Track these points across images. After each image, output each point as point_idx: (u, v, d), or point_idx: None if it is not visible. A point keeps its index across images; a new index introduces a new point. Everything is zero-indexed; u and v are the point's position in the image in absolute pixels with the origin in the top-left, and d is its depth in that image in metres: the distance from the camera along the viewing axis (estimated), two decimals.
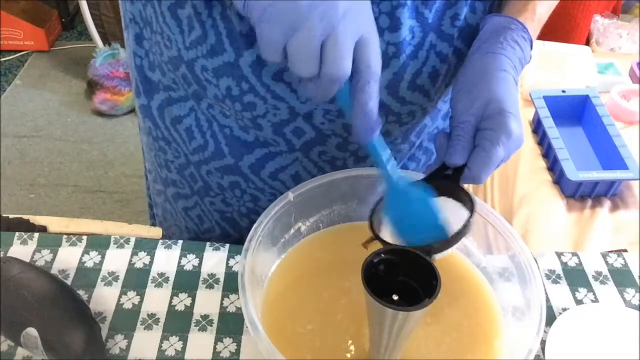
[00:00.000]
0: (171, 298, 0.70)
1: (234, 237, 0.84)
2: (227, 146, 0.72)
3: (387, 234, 0.56)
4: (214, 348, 0.65)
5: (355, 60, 0.46)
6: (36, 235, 0.77)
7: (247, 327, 0.59)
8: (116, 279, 0.72)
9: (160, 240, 0.77)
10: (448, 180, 0.56)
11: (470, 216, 0.54)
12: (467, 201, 0.55)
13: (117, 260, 0.74)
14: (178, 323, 0.67)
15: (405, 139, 0.73)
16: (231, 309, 0.69)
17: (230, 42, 0.62)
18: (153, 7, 0.65)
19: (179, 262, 0.74)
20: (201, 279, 0.72)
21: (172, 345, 0.65)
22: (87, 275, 0.73)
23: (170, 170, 0.81)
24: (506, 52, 0.59)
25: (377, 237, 0.55)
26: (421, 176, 0.58)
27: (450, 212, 0.55)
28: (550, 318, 0.68)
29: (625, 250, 0.79)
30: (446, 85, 0.69)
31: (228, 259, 0.74)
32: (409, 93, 0.65)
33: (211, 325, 0.67)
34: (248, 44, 0.61)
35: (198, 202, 0.82)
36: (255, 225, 0.60)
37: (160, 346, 0.65)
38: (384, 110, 0.66)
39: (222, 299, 0.70)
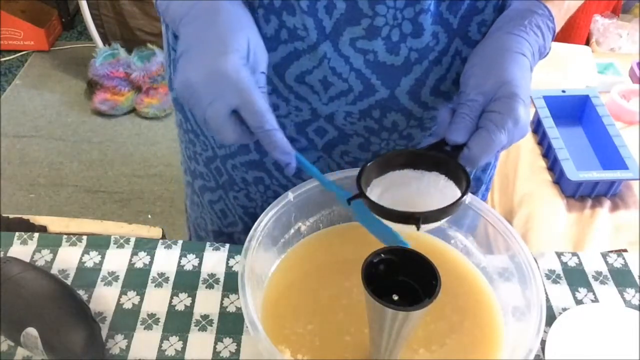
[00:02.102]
0: (171, 298, 0.70)
1: None
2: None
3: (374, 195, 0.54)
4: (214, 348, 0.65)
5: (245, 123, 0.54)
6: (36, 235, 0.77)
7: (247, 327, 0.59)
8: (116, 279, 0.72)
9: (160, 240, 0.77)
10: (447, 156, 0.55)
11: (464, 193, 0.52)
12: (463, 179, 0.53)
13: (117, 260, 0.74)
14: (178, 323, 0.67)
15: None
16: (231, 309, 0.69)
17: None
18: None
19: (179, 262, 0.74)
20: (201, 279, 0.72)
21: (172, 345, 0.65)
22: (87, 275, 0.73)
23: (198, 162, 0.82)
24: (528, 37, 0.57)
25: (362, 194, 0.53)
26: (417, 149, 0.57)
27: (442, 189, 0.54)
28: (550, 318, 0.68)
29: (625, 250, 0.79)
30: None
31: (228, 259, 0.74)
32: (432, 98, 0.65)
33: (211, 325, 0.67)
34: (272, 47, 0.62)
35: (222, 196, 0.83)
36: (255, 225, 0.60)
37: (160, 346, 0.65)
38: (405, 114, 0.66)
39: (222, 299, 0.70)
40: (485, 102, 0.55)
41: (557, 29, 0.62)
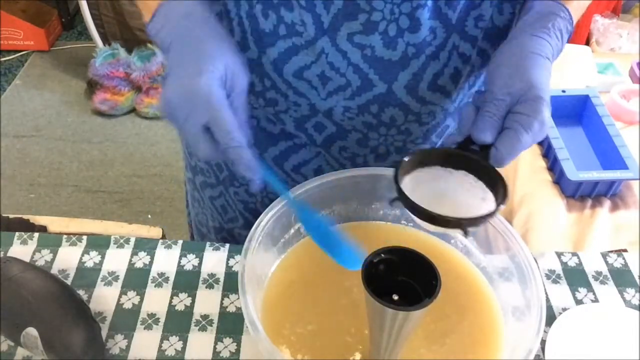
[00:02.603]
0: (171, 298, 0.70)
1: None
2: (253, 137, 0.73)
3: (408, 189, 0.54)
4: (214, 348, 0.65)
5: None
6: (36, 235, 0.77)
7: (247, 327, 0.59)
8: (116, 279, 0.72)
9: (160, 240, 0.77)
10: (478, 157, 0.55)
11: (503, 201, 0.52)
12: (500, 185, 0.53)
13: (117, 260, 0.74)
14: (178, 323, 0.67)
15: (426, 139, 0.73)
16: (231, 309, 0.69)
17: (254, 40, 0.64)
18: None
19: (179, 262, 0.74)
20: (201, 279, 0.72)
21: (172, 345, 0.65)
22: (87, 275, 0.73)
23: (199, 158, 0.83)
24: (551, 40, 0.58)
25: (404, 196, 0.52)
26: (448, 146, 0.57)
27: (470, 189, 0.54)
28: (550, 318, 0.68)
29: (625, 250, 0.79)
30: (469, 86, 0.69)
31: (228, 259, 0.74)
32: (430, 93, 0.65)
33: (211, 325, 0.67)
34: (270, 43, 0.63)
35: (223, 191, 0.84)
36: (255, 225, 0.60)
37: (160, 346, 0.65)
38: (403, 109, 0.66)
39: (222, 299, 0.70)
40: (512, 103, 0.55)
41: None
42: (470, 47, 0.64)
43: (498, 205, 0.52)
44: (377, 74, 0.63)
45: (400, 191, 0.52)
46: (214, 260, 0.74)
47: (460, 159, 0.55)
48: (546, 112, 0.54)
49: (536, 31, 0.58)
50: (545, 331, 0.66)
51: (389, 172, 0.64)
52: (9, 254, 0.74)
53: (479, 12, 0.62)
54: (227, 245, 0.76)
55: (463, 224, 0.51)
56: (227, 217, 0.87)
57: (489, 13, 0.63)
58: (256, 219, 0.84)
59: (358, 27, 0.60)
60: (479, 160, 0.54)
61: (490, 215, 0.51)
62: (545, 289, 0.72)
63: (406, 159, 0.55)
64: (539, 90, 0.54)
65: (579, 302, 0.71)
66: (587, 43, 2.02)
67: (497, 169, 0.54)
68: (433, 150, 0.57)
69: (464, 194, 0.55)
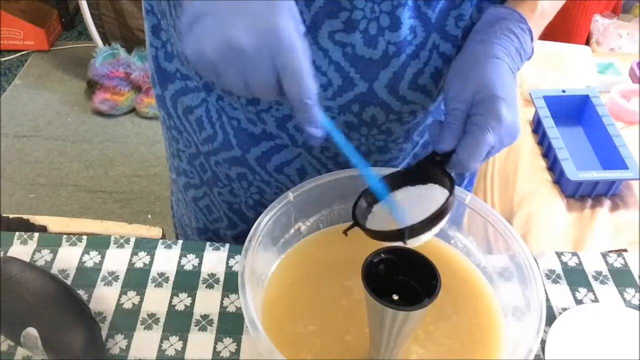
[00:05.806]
0: (171, 298, 0.70)
1: (241, 227, 0.84)
2: (235, 138, 0.73)
3: (370, 222, 0.56)
4: (214, 348, 0.65)
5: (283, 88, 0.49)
6: (36, 235, 0.77)
7: (247, 327, 0.59)
8: (116, 278, 0.72)
9: (160, 240, 0.77)
10: (436, 166, 0.56)
11: (445, 202, 0.52)
12: (448, 185, 0.54)
13: (117, 260, 0.74)
14: (178, 323, 0.67)
15: (408, 138, 0.73)
16: (231, 309, 0.69)
17: None
18: (167, 0, 0.67)
19: (179, 262, 0.74)
20: (201, 279, 0.72)
21: (172, 345, 0.65)
22: (87, 275, 0.73)
23: (182, 159, 0.83)
24: (500, 41, 0.59)
25: (357, 223, 0.55)
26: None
27: (433, 199, 0.55)
28: (550, 318, 0.68)
29: (625, 250, 0.79)
30: None
31: (228, 259, 0.74)
32: (410, 92, 0.65)
33: (211, 325, 0.67)
34: None
35: (207, 192, 0.83)
36: (255, 225, 0.60)
37: (160, 346, 0.65)
38: (384, 108, 0.66)
39: (222, 299, 0.70)
40: (468, 109, 0.56)
41: (538, 30, 0.63)
42: (450, 47, 0.64)
43: (440, 206, 0.52)
44: (358, 72, 0.63)
45: (359, 224, 0.55)
46: (214, 260, 0.74)
47: (425, 173, 0.57)
48: (503, 109, 0.55)
49: (482, 37, 0.60)
50: (545, 331, 0.66)
51: (390, 171, 0.65)
52: (9, 254, 0.74)
53: (459, 11, 0.63)
54: (227, 245, 0.76)
55: (403, 234, 0.52)
56: (212, 217, 0.87)
57: (468, 13, 0.63)
58: (240, 219, 0.84)
59: (339, 25, 0.60)
60: (438, 169, 0.56)
61: (432, 216, 0.52)
62: (545, 289, 0.72)
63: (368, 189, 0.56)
64: (491, 89, 0.55)
65: (579, 302, 0.71)
66: (587, 43, 2.02)
67: (461, 172, 0.55)
68: (398, 173, 0.58)
69: (435, 204, 0.54)
